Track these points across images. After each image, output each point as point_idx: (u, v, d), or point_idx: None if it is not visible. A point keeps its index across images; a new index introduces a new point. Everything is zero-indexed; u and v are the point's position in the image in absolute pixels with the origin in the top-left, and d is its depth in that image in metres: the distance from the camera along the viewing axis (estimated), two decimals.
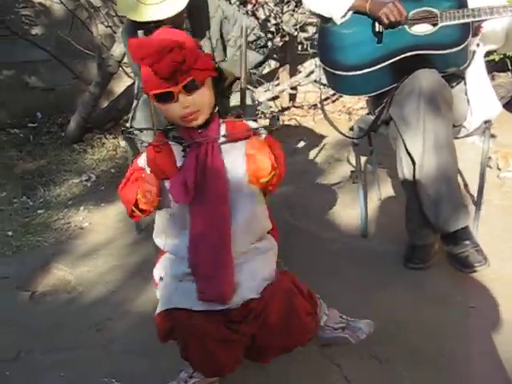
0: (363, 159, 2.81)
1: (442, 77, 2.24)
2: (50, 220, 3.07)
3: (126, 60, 4.19)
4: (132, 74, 4.50)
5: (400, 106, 2.23)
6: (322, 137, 4.17)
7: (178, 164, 1.62)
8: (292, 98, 4.99)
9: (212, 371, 1.73)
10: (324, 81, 4.71)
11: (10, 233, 2.94)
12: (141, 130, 1.84)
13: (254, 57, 2.65)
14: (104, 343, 2.06)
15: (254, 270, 1.68)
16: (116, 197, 3.31)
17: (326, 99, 4.88)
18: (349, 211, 2.92)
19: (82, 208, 3.21)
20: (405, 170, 2.28)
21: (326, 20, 2.43)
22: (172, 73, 1.50)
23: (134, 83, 4.28)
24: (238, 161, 1.63)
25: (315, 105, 4.97)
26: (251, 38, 2.56)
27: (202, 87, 1.56)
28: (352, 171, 2.69)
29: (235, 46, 2.51)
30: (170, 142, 1.63)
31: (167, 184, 1.62)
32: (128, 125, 2.85)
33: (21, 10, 4.77)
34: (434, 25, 2.26)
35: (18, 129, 4.77)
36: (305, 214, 2.95)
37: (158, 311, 1.67)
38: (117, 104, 4.50)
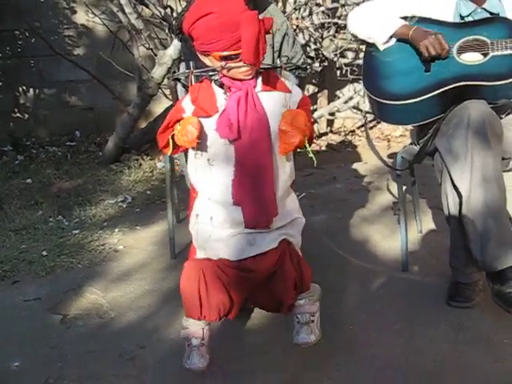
0: (403, 188, 2.73)
1: (491, 108, 2.17)
2: (85, 241, 3.05)
3: (165, 82, 4.22)
4: (170, 96, 4.55)
5: (447, 138, 2.15)
6: (361, 164, 4.11)
7: (219, 105, 1.80)
8: (330, 123, 4.95)
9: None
10: (364, 107, 4.72)
11: (44, 252, 2.93)
12: (187, 73, 1.96)
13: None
14: (136, 373, 2.00)
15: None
16: (151, 220, 3.32)
17: (362, 126, 4.82)
18: (388, 242, 2.84)
19: (116, 230, 3.19)
20: (450, 204, 2.20)
21: (371, 44, 2.39)
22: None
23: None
24: (276, 109, 1.81)
25: (353, 131, 4.92)
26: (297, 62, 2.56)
27: None
28: (394, 202, 2.62)
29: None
30: (212, 85, 1.85)
31: (210, 123, 1.79)
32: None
33: (64, 30, 4.87)
34: (485, 54, 2.19)
35: (57, 147, 4.83)
36: (343, 244, 2.89)
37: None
38: (155, 126, 4.51)
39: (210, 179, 1.85)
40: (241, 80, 1.79)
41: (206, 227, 1.88)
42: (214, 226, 1.86)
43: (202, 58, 1.82)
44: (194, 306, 1.83)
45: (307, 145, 1.81)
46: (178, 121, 1.83)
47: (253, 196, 1.80)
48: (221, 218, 1.85)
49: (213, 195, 1.85)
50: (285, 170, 1.89)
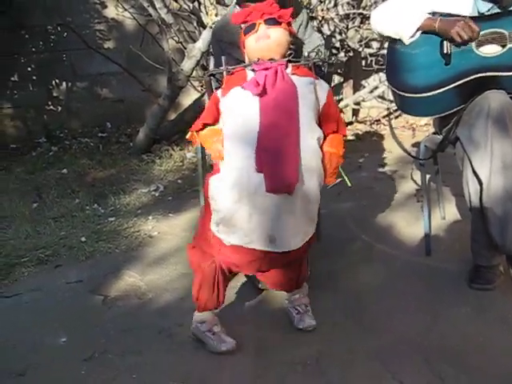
0: (427, 176, 2.81)
1: (510, 97, 2.25)
2: (121, 228, 3.20)
3: (194, 74, 4.33)
4: (199, 88, 4.67)
5: (468, 127, 2.24)
6: (386, 153, 4.19)
7: (248, 79, 1.96)
8: (355, 113, 5.03)
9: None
10: (390, 97, 4.78)
11: (83, 238, 3.08)
12: (222, 70, 2.15)
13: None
14: (174, 348, 2.15)
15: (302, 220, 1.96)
16: (183, 207, 3.45)
17: (388, 115, 4.89)
18: (412, 229, 2.93)
19: (150, 217, 3.34)
20: (471, 191, 2.28)
21: (394, 40, 2.46)
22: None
23: (203, 95, 4.44)
24: (304, 89, 1.95)
25: (378, 120, 4.99)
26: (312, 55, 2.64)
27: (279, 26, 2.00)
28: (417, 190, 2.70)
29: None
30: (246, 70, 2.01)
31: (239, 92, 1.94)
32: None
33: (95, 25, 5.01)
34: (503, 46, 2.26)
35: (89, 138, 4.99)
36: (368, 230, 2.99)
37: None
38: (184, 117, 4.64)
39: (235, 147, 1.92)
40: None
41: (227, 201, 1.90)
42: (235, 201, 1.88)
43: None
44: (211, 301, 2.07)
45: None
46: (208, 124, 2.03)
47: (276, 162, 1.85)
48: (241, 187, 1.87)
49: (236, 162, 1.90)
50: (313, 137, 1.95)
